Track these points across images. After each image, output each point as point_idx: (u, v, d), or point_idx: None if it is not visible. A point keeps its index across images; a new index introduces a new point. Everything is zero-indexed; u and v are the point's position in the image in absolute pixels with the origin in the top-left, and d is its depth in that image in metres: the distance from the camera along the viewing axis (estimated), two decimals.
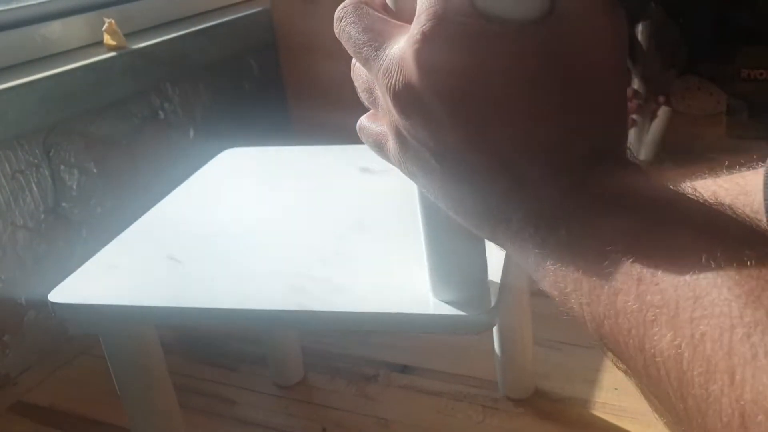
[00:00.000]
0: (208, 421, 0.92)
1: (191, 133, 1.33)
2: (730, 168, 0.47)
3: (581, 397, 0.90)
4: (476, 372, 0.96)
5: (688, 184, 0.31)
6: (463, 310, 0.48)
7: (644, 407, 0.80)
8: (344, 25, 0.35)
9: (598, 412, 0.87)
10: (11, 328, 1.03)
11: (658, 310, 0.24)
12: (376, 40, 0.33)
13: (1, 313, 1.01)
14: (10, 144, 1.01)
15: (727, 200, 0.40)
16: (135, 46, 1.18)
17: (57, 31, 1.17)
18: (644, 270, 0.25)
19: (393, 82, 0.31)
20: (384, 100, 0.33)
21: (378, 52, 0.32)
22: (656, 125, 1.51)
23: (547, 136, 0.29)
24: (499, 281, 0.51)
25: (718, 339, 0.22)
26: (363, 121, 0.38)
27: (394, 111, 0.32)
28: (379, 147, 0.37)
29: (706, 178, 0.47)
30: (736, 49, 1.54)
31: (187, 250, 0.62)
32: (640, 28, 1.45)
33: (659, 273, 0.25)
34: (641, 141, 1.50)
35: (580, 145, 0.30)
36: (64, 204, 1.09)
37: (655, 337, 0.24)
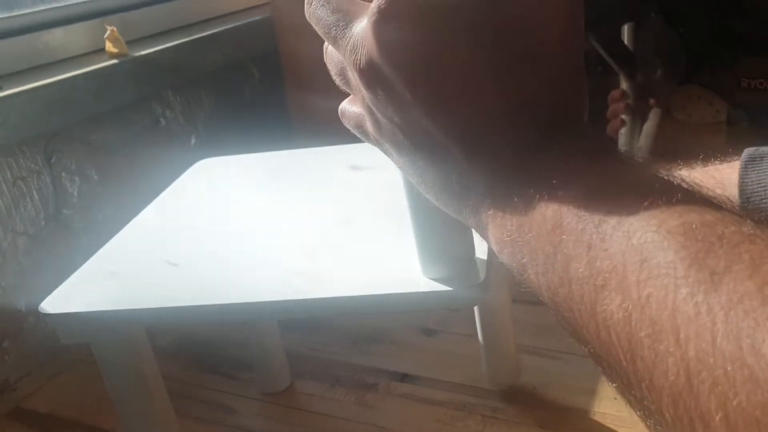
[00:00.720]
0: (206, 428, 0.91)
1: (192, 140, 1.34)
2: (705, 162, 0.47)
3: (581, 407, 0.90)
4: (476, 382, 0.96)
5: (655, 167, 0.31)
6: (452, 286, 0.49)
7: None
8: (314, 8, 0.36)
9: (598, 421, 0.87)
10: (11, 334, 1.03)
11: (607, 275, 0.24)
12: (344, 19, 0.34)
13: (1, 320, 1.01)
14: (11, 150, 1.01)
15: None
16: (137, 54, 1.18)
17: (59, 38, 1.17)
18: (594, 236, 0.26)
19: (358, 58, 0.32)
20: (354, 78, 0.34)
21: (345, 30, 0.33)
22: (648, 127, 1.51)
23: (501, 106, 0.30)
24: (486, 257, 0.52)
25: (663, 300, 0.22)
26: (343, 105, 0.39)
27: (362, 87, 0.33)
28: (360, 128, 0.38)
29: (680, 170, 0.48)
30: (736, 58, 1.55)
31: (178, 252, 0.62)
32: (626, 32, 1.45)
33: (607, 238, 0.25)
34: (633, 144, 1.50)
35: (534, 116, 0.30)
36: (65, 211, 1.09)
37: (605, 302, 0.24)
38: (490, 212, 0.31)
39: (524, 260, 0.29)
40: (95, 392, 1.00)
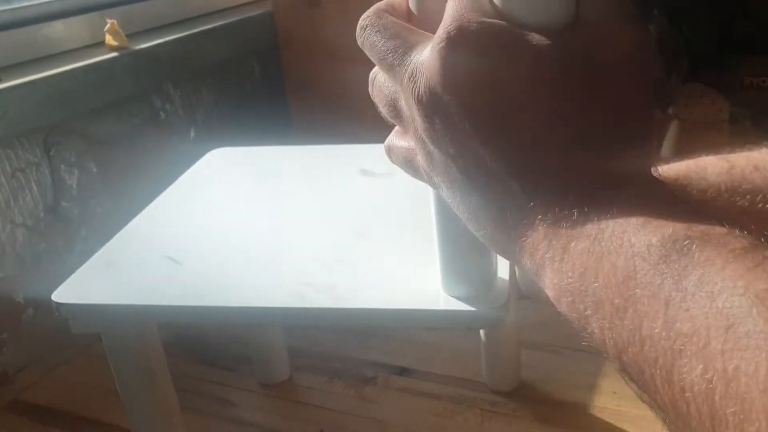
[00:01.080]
0: (206, 421, 0.91)
1: (192, 134, 1.33)
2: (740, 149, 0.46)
3: (580, 402, 0.90)
4: (475, 375, 0.96)
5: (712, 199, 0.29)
6: (474, 306, 0.48)
7: (643, 412, 0.79)
8: (368, 33, 0.34)
9: (597, 416, 0.87)
10: (9, 326, 1.02)
11: (687, 339, 0.22)
12: (402, 46, 0.33)
13: (0, 312, 1.01)
14: (10, 142, 1.01)
15: (738, 179, 0.39)
16: (137, 47, 1.18)
17: (59, 31, 1.17)
18: (673, 293, 0.23)
19: (417, 86, 0.31)
20: (408, 108, 0.33)
21: (404, 57, 0.32)
22: (669, 141, 1.51)
23: (566, 141, 0.29)
24: (507, 278, 0.51)
25: (754, 375, 0.20)
26: (391, 139, 0.38)
27: (418, 117, 0.32)
28: (410, 164, 0.36)
29: (717, 157, 0.46)
30: (739, 57, 1.54)
31: (186, 250, 0.62)
32: None
33: (689, 297, 0.23)
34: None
35: (601, 154, 0.29)
36: (63, 203, 1.09)
37: (684, 369, 0.22)
38: (548, 254, 0.29)
39: (587, 312, 0.27)
40: (94, 385, 1.00)
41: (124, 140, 1.19)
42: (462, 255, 0.47)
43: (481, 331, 0.90)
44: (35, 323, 1.06)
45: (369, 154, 0.77)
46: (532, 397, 0.91)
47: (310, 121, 1.47)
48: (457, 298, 0.49)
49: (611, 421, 0.86)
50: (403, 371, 0.98)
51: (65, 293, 0.56)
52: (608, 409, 0.88)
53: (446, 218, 0.44)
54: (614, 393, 0.90)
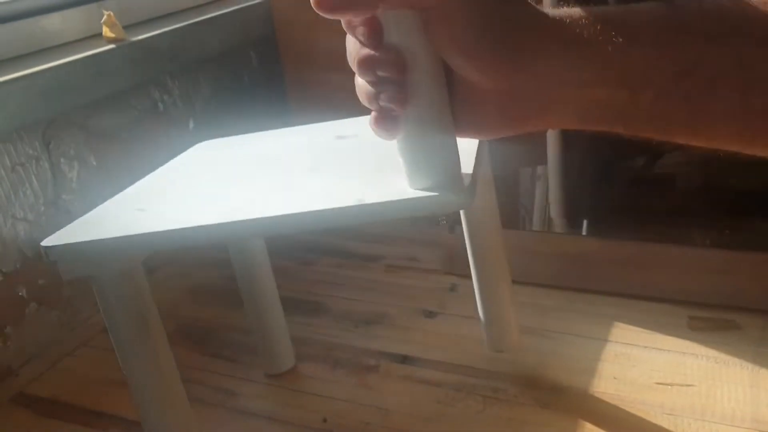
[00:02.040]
0: (210, 411, 0.92)
1: (191, 125, 1.33)
2: None
3: (580, 387, 0.91)
4: (476, 363, 0.97)
5: None
6: (437, 192, 0.52)
7: (643, 396, 0.81)
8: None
9: (598, 401, 0.88)
10: (12, 320, 1.03)
11: None
12: None
13: (3, 306, 1.02)
14: (9, 136, 1.01)
15: None
16: (134, 39, 1.18)
17: (56, 23, 1.17)
18: None
19: None
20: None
21: None
22: None
23: None
24: (471, 171, 0.55)
25: None
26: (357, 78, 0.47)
27: None
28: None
29: None
30: None
31: (173, 198, 0.68)
32: None
33: None
34: None
35: None
36: (64, 196, 1.10)
37: None
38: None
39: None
40: (98, 377, 1.01)
41: (123, 132, 1.19)
42: (426, 151, 0.50)
43: (478, 304, 0.90)
44: (38, 317, 1.06)
45: (347, 124, 0.82)
46: (532, 383, 0.92)
47: (308, 110, 1.47)
48: (422, 189, 0.52)
49: (612, 406, 0.87)
50: (404, 359, 0.99)
51: (55, 239, 0.60)
52: (608, 394, 0.89)
53: (410, 117, 0.48)
54: (614, 378, 0.91)
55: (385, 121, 0.47)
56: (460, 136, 0.49)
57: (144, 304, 0.62)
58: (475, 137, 0.50)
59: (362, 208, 0.53)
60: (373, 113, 0.47)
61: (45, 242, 0.59)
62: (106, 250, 0.58)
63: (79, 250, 0.58)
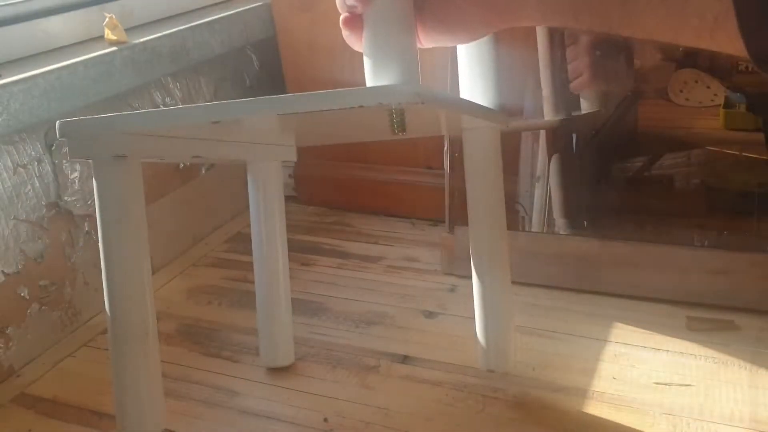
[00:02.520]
0: (211, 411, 0.93)
1: None
2: None
3: (579, 387, 0.91)
4: (476, 362, 0.97)
5: None
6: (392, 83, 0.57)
7: (642, 396, 0.81)
8: None
9: (597, 401, 0.88)
10: (14, 320, 1.03)
11: None
12: None
13: (4, 307, 1.02)
14: (11, 138, 1.01)
15: None
16: (136, 41, 1.19)
17: (58, 26, 1.17)
18: None
19: None
20: None
21: None
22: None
23: None
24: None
25: None
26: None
27: None
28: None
29: None
30: None
31: None
32: None
33: None
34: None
35: None
36: (66, 198, 1.10)
37: None
38: None
39: None
40: (99, 378, 1.01)
41: None
42: (386, 49, 0.55)
43: (476, 313, 0.90)
44: (40, 318, 1.07)
45: None
46: (531, 383, 0.93)
47: None
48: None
49: (610, 406, 0.87)
50: (405, 359, 1.00)
51: (64, 122, 0.67)
52: (607, 394, 0.89)
53: (372, 22, 0.54)
54: (614, 378, 0.92)
55: (351, 21, 0.53)
56: (428, 42, 0.55)
57: (132, 192, 0.69)
58: (441, 42, 0.55)
59: (326, 94, 0.57)
60: (342, 16, 0.53)
61: (59, 121, 0.66)
62: (102, 126, 0.67)
63: (82, 129, 0.67)
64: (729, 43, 0.34)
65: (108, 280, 0.69)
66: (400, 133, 0.56)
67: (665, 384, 0.90)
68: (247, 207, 0.95)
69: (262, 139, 0.89)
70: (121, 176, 0.68)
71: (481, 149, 0.83)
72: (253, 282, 0.97)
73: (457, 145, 1.17)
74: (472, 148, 0.84)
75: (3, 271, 1.01)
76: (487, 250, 0.87)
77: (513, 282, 0.90)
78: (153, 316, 0.71)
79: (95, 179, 0.69)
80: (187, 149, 0.76)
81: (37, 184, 1.06)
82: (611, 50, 1.29)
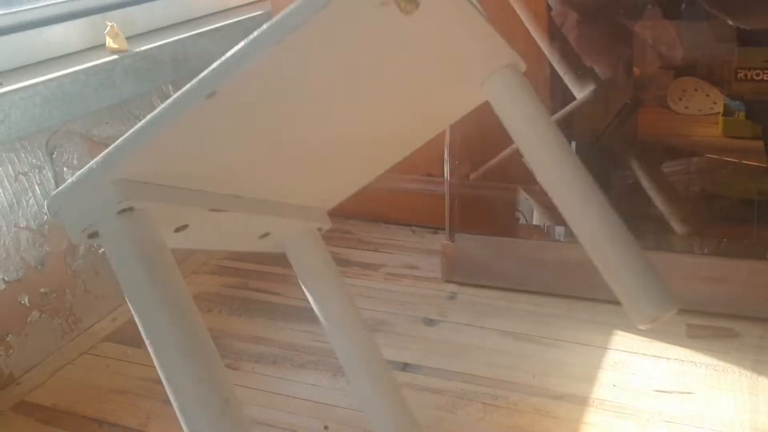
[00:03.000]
0: None
1: None
2: None
3: (580, 394, 0.91)
4: (476, 370, 0.97)
5: None
6: None
7: (642, 404, 0.81)
8: None
9: (597, 408, 0.88)
10: (15, 328, 1.03)
11: None
12: None
13: (5, 314, 1.02)
14: (13, 146, 1.02)
15: None
16: (137, 49, 1.19)
17: (59, 34, 1.18)
18: None
19: None
20: None
21: None
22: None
23: None
24: None
25: None
26: None
27: None
28: None
29: None
30: (733, 49, 1.55)
31: None
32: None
33: None
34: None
35: None
36: None
37: None
38: None
39: None
40: (99, 385, 1.01)
41: None
42: None
43: None
44: (40, 325, 1.07)
45: None
46: (532, 390, 0.93)
47: None
48: None
49: (611, 413, 0.87)
50: (405, 366, 1.00)
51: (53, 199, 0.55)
52: (608, 401, 0.89)
53: None
54: (614, 386, 0.92)
55: None
56: None
57: (152, 244, 0.54)
58: None
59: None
60: None
61: (48, 201, 0.55)
62: (102, 186, 0.53)
63: (77, 196, 0.54)
64: None
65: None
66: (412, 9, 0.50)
67: (666, 391, 0.90)
68: None
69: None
70: (134, 230, 0.54)
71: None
72: (252, 289, 0.97)
73: (456, 154, 1.17)
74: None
75: (3, 279, 1.01)
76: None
77: (513, 289, 0.91)
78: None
79: (108, 253, 0.54)
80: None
81: (38, 192, 1.06)
82: (600, 24, 1.29)
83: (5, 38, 1.10)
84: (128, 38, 1.21)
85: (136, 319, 0.53)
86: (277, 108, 0.56)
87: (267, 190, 0.66)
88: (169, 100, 0.54)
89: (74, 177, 0.55)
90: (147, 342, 0.52)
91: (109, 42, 1.18)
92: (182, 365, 0.52)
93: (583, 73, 1.11)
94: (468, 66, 0.62)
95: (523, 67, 0.63)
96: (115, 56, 1.15)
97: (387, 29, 0.51)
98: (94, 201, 0.53)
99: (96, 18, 1.22)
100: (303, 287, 0.75)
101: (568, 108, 1.13)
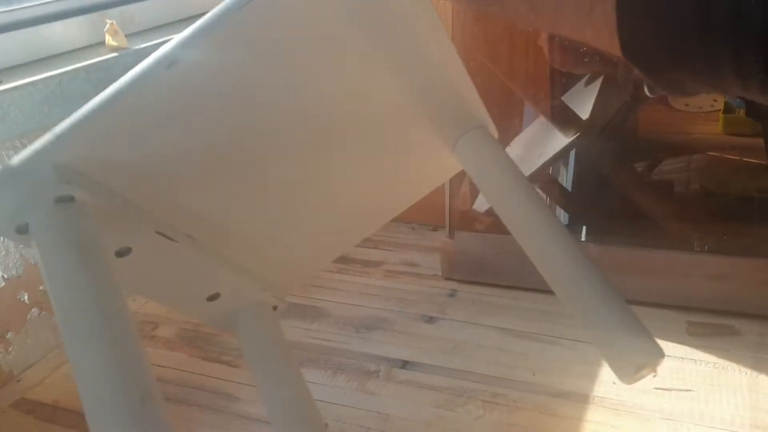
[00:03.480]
0: (212, 416, 0.92)
1: None
2: None
3: (580, 392, 0.91)
4: (476, 367, 0.97)
5: None
6: None
7: (642, 401, 0.81)
8: None
9: (597, 406, 0.88)
10: (15, 325, 1.03)
11: None
12: None
13: (5, 311, 1.02)
14: (13, 144, 1.02)
15: None
16: (136, 47, 1.19)
17: (58, 32, 1.18)
18: None
19: None
20: None
21: None
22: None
23: None
24: None
25: None
26: None
27: None
28: None
29: None
30: None
31: None
32: None
33: None
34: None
35: None
36: None
37: None
38: None
39: None
40: None
41: None
42: None
43: None
44: (40, 323, 1.07)
45: None
46: (532, 387, 0.93)
47: None
48: None
49: (611, 411, 0.87)
50: (405, 364, 1.00)
51: None
52: (608, 398, 0.89)
53: None
54: (614, 383, 0.92)
55: None
56: None
57: (89, 241, 0.45)
58: None
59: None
60: None
61: None
62: (42, 169, 0.45)
63: (13, 179, 0.46)
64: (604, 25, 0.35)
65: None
66: None
67: (666, 389, 0.90)
68: None
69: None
70: (71, 221, 0.45)
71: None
72: None
73: None
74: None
75: (3, 276, 1.01)
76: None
77: (513, 287, 0.91)
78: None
79: (38, 250, 0.44)
80: None
81: None
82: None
83: (4, 36, 1.09)
84: (128, 36, 1.21)
85: (57, 319, 0.44)
86: (239, 85, 0.51)
87: (222, 241, 0.58)
88: (129, 73, 0.47)
89: (14, 158, 0.47)
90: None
91: (109, 39, 1.17)
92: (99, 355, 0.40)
93: (567, 118, 1.11)
94: (440, 126, 0.59)
95: (494, 129, 0.60)
96: (115, 54, 1.15)
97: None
98: (31, 185, 0.45)
99: (95, 15, 1.22)
100: (251, 371, 0.64)
101: (550, 158, 1.12)
